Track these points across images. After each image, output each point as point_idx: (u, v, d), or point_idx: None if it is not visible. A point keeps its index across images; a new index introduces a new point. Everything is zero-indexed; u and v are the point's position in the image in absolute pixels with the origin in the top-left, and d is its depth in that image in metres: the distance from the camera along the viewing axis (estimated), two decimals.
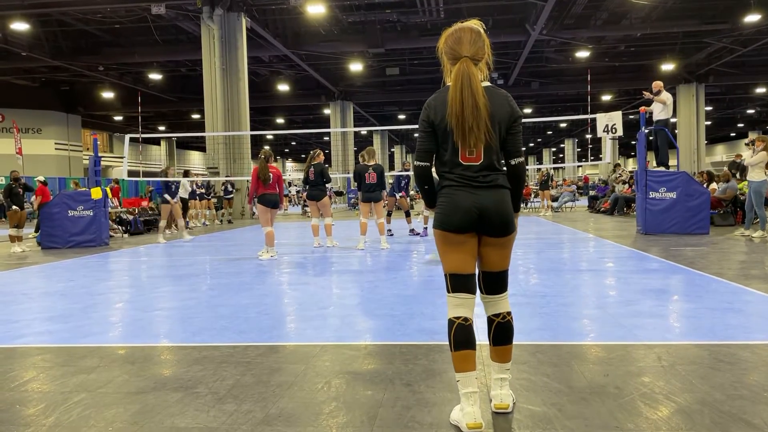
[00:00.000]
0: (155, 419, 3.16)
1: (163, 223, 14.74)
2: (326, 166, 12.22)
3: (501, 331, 3.11)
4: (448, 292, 3.02)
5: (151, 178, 26.14)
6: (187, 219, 19.12)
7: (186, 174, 18.70)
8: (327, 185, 11.89)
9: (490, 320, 3.11)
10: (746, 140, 14.26)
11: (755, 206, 11.74)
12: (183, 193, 17.70)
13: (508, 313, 3.13)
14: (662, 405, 3.17)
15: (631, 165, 68.44)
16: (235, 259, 10.40)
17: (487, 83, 2.98)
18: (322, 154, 12.02)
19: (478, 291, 3.07)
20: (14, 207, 13.06)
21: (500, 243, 2.98)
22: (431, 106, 2.99)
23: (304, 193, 13.87)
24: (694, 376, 3.60)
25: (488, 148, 2.90)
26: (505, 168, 3.00)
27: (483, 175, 2.93)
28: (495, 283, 3.07)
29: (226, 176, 21.20)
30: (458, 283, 2.97)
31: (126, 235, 16.54)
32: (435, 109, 2.96)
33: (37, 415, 3.26)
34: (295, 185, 40.96)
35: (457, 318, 2.97)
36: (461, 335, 2.94)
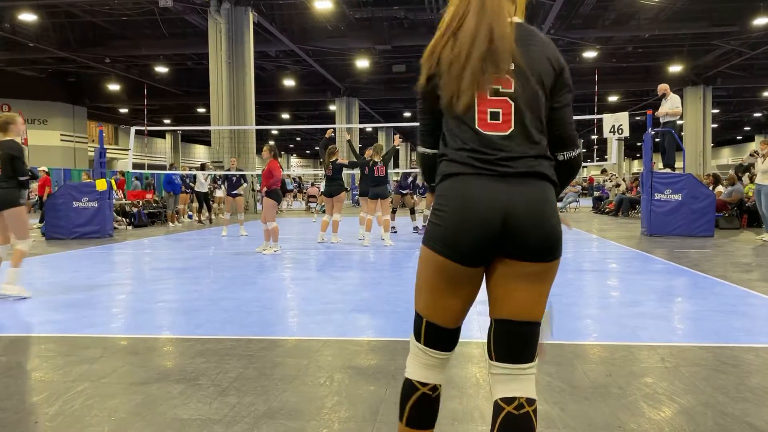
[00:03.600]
0: (158, 410, 3.16)
1: (227, 216, 14.59)
2: (345, 164, 12.31)
3: (513, 429, 1.87)
4: (416, 339, 2.01)
5: (142, 171, 26.21)
6: (211, 214, 19.20)
7: (203, 168, 18.72)
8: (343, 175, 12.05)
9: (498, 408, 1.89)
10: (752, 150, 14.20)
11: (765, 209, 11.67)
12: (201, 187, 17.73)
13: (530, 402, 1.89)
14: (665, 406, 3.17)
15: (636, 166, 68.26)
16: (238, 253, 10.40)
17: (519, 20, 1.97)
18: (338, 151, 12.06)
19: (484, 353, 2.19)
20: None
21: (536, 273, 1.85)
22: (432, 47, 1.94)
23: (310, 189, 13.88)
24: (698, 378, 3.59)
25: (522, 110, 1.84)
26: (545, 147, 1.90)
27: (510, 156, 1.82)
28: (517, 342, 1.89)
29: (237, 169, 21.24)
30: (436, 337, 1.97)
31: (130, 228, 16.57)
32: (437, 51, 1.91)
33: (41, 404, 3.26)
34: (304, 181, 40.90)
35: (423, 385, 1.98)
36: (421, 410, 2.00)
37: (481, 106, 1.84)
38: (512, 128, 1.83)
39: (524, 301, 1.86)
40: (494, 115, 1.84)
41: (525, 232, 1.79)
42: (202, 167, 18.76)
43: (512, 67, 1.83)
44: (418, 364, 2.00)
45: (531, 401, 1.88)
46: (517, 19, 1.94)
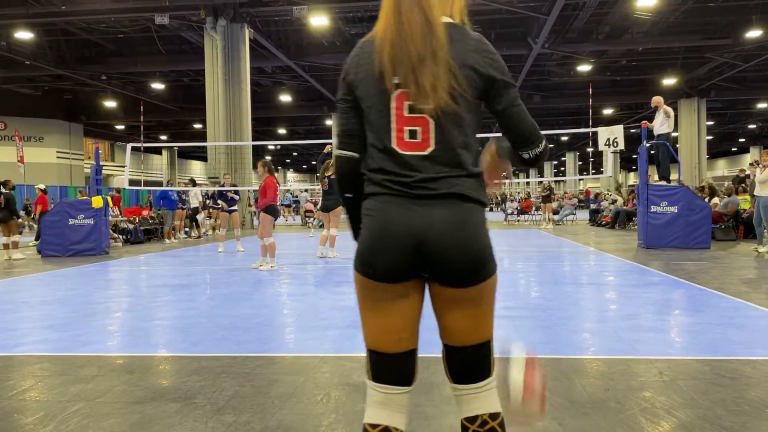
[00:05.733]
0: (153, 430, 3.14)
1: (223, 231, 14.50)
2: None
3: None
4: (368, 377, 1.90)
5: (152, 188, 26.19)
6: (204, 229, 19.24)
7: (193, 183, 18.75)
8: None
9: (464, 428, 1.88)
10: (750, 160, 14.25)
11: (764, 221, 11.68)
12: (194, 202, 17.78)
13: (494, 417, 1.86)
14: (663, 420, 3.15)
15: (632, 179, 68.47)
16: (235, 269, 10.37)
17: (449, 20, 1.82)
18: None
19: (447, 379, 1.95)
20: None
21: (467, 298, 1.78)
22: (352, 56, 1.87)
23: (306, 204, 13.91)
24: (696, 392, 3.58)
25: (443, 128, 1.73)
26: (471, 165, 1.78)
27: (428, 178, 1.73)
28: (466, 364, 1.86)
29: (232, 185, 21.25)
30: (383, 367, 1.85)
31: (120, 244, 16.52)
32: (358, 60, 1.83)
33: (35, 424, 3.24)
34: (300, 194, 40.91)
35: (372, 427, 1.84)
36: None
37: (399, 125, 1.75)
38: (432, 147, 1.74)
39: (463, 327, 1.81)
40: (412, 134, 1.74)
41: (443, 257, 1.72)
42: (192, 183, 18.80)
43: (437, 70, 1.71)
44: (371, 405, 1.87)
45: (495, 416, 1.84)
46: (447, 19, 1.80)
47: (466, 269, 1.73)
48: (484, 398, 1.85)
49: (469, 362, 1.85)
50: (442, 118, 1.72)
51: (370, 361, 1.88)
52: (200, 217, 18.79)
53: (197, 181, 20.68)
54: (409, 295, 1.81)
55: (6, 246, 13.14)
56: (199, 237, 18.68)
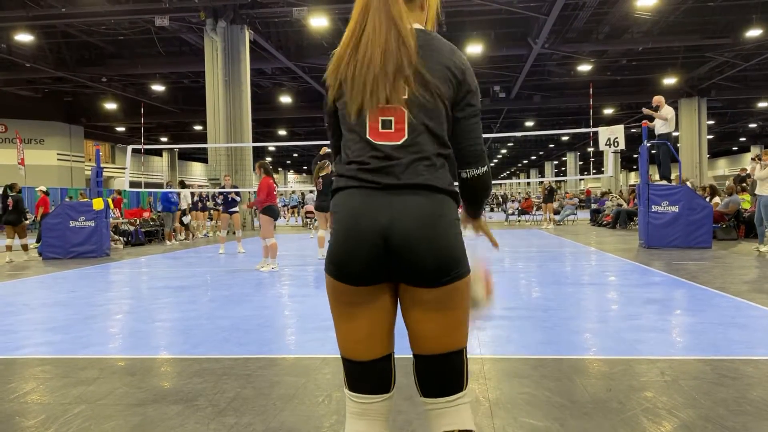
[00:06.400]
0: None
1: (223, 233, 14.58)
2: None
3: None
4: (346, 387, 1.83)
5: (153, 189, 26.21)
6: (206, 230, 19.28)
7: (182, 185, 18.78)
8: None
9: None
10: (752, 155, 14.23)
11: (765, 220, 11.67)
12: (183, 204, 17.82)
13: None
14: (665, 420, 3.15)
15: (633, 178, 68.47)
16: (236, 270, 10.38)
17: (420, 27, 1.82)
18: (330, 165, 12.08)
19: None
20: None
21: (438, 300, 1.70)
22: (334, 64, 1.83)
23: (307, 206, 13.94)
24: (697, 392, 3.58)
25: (417, 119, 1.71)
26: (445, 158, 1.76)
27: (400, 165, 1.69)
28: (435, 376, 1.76)
29: (233, 186, 21.29)
30: (358, 377, 1.78)
31: (121, 246, 16.53)
32: (338, 61, 1.81)
33: (37, 427, 3.24)
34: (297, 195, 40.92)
35: None
36: None
37: (372, 115, 1.71)
38: (405, 137, 1.70)
39: (433, 333, 1.71)
40: (386, 124, 1.71)
41: (411, 251, 1.64)
42: (182, 185, 18.81)
43: (409, 73, 1.69)
44: (349, 416, 1.81)
45: None
46: (418, 26, 1.80)
47: (434, 266, 1.65)
48: (454, 413, 1.76)
49: (438, 373, 1.74)
50: (417, 109, 1.70)
51: (345, 370, 1.81)
52: (186, 219, 18.77)
53: (186, 183, 20.71)
54: (380, 299, 1.74)
55: (9, 248, 13.24)
56: (187, 239, 18.54)
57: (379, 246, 1.65)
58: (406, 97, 1.69)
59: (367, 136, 1.72)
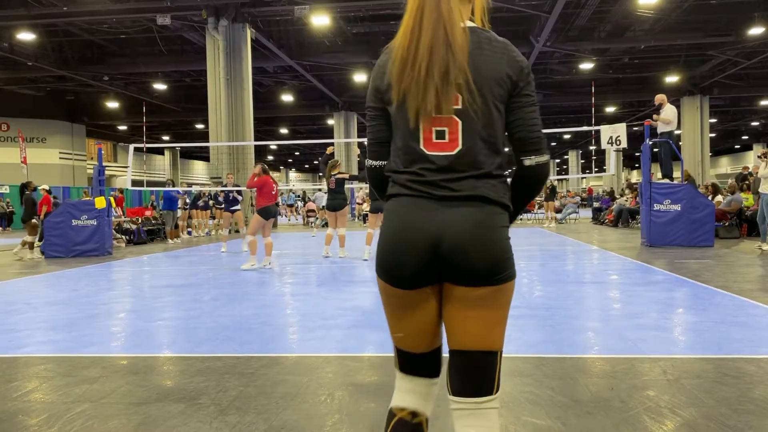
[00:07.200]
0: (157, 430, 3.15)
1: (225, 232, 14.77)
2: (347, 177, 12.30)
3: None
4: (397, 367, 1.92)
5: (156, 188, 26.23)
6: (189, 228, 19.30)
7: (172, 184, 18.80)
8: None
9: None
10: (758, 153, 14.19)
11: (767, 218, 11.64)
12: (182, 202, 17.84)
13: None
14: (667, 419, 3.15)
15: (635, 177, 68.43)
16: (238, 269, 10.38)
17: (473, 24, 1.82)
18: (341, 164, 12.12)
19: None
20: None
21: (482, 298, 1.72)
22: (381, 64, 1.84)
23: (308, 204, 13.95)
24: (700, 390, 3.58)
25: (471, 129, 1.71)
26: (496, 168, 1.75)
27: (453, 178, 1.72)
28: (470, 374, 1.78)
29: (234, 185, 21.32)
30: (410, 364, 1.88)
31: (124, 245, 16.54)
32: (385, 68, 1.80)
33: (40, 426, 3.24)
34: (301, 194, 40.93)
35: (401, 410, 1.86)
36: None
37: (426, 125, 1.72)
38: (459, 148, 1.71)
39: (474, 328, 1.74)
40: (440, 134, 1.72)
41: (464, 252, 1.67)
42: (171, 184, 18.81)
43: (461, 81, 1.68)
44: (399, 391, 1.89)
45: None
46: (471, 24, 1.78)
47: (483, 267, 1.68)
48: (481, 416, 1.76)
49: (471, 370, 1.76)
50: (471, 119, 1.71)
51: (397, 356, 1.89)
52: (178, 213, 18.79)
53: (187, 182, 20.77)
54: (429, 300, 1.78)
55: (24, 243, 13.42)
56: (177, 237, 18.35)
57: (426, 254, 1.70)
58: (459, 106, 1.70)
59: (421, 147, 1.74)
